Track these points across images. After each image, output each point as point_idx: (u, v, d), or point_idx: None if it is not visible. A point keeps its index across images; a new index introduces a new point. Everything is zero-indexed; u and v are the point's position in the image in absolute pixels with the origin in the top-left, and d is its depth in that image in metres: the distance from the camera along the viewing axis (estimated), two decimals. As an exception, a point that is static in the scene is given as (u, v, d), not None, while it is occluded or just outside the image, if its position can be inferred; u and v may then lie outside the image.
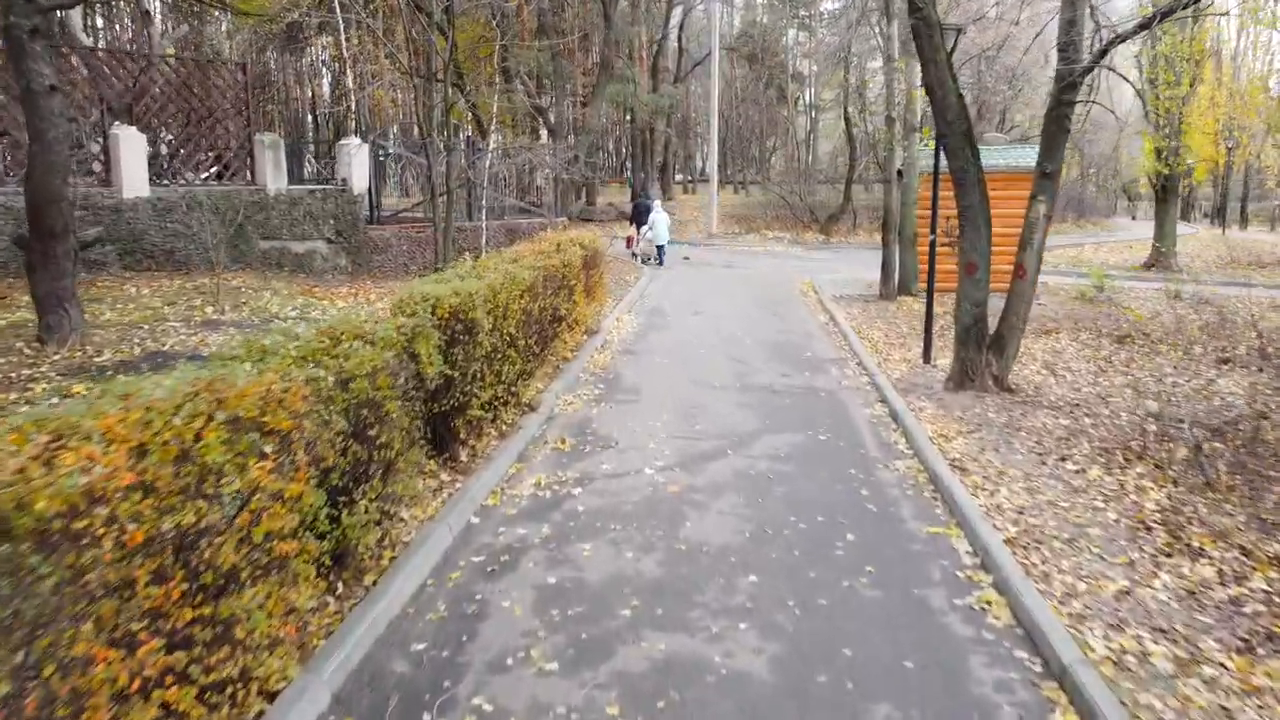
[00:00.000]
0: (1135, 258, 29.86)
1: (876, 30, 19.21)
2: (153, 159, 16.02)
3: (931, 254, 12.40)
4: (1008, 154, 19.23)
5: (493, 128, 19.79)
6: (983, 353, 10.35)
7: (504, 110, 37.76)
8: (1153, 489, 7.13)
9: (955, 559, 6.06)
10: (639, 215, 25.69)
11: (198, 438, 3.44)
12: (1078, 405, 10.02)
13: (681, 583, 5.61)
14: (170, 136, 17.18)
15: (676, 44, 43.38)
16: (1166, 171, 25.23)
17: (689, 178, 56.76)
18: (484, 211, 18.74)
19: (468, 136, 20.59)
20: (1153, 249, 26.64)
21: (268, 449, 3.85)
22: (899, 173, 17.88)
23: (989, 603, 5.38)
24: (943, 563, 5.99)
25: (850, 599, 5.43)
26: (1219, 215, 46.25)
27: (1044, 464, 7.93)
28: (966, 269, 10.40)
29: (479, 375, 7.54)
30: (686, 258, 28.09)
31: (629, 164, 48.74)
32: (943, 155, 11.03)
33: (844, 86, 34.53)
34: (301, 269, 17.55)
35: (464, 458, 7.58)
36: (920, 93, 17.70)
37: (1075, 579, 5.56)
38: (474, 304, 7.27)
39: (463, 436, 7.54)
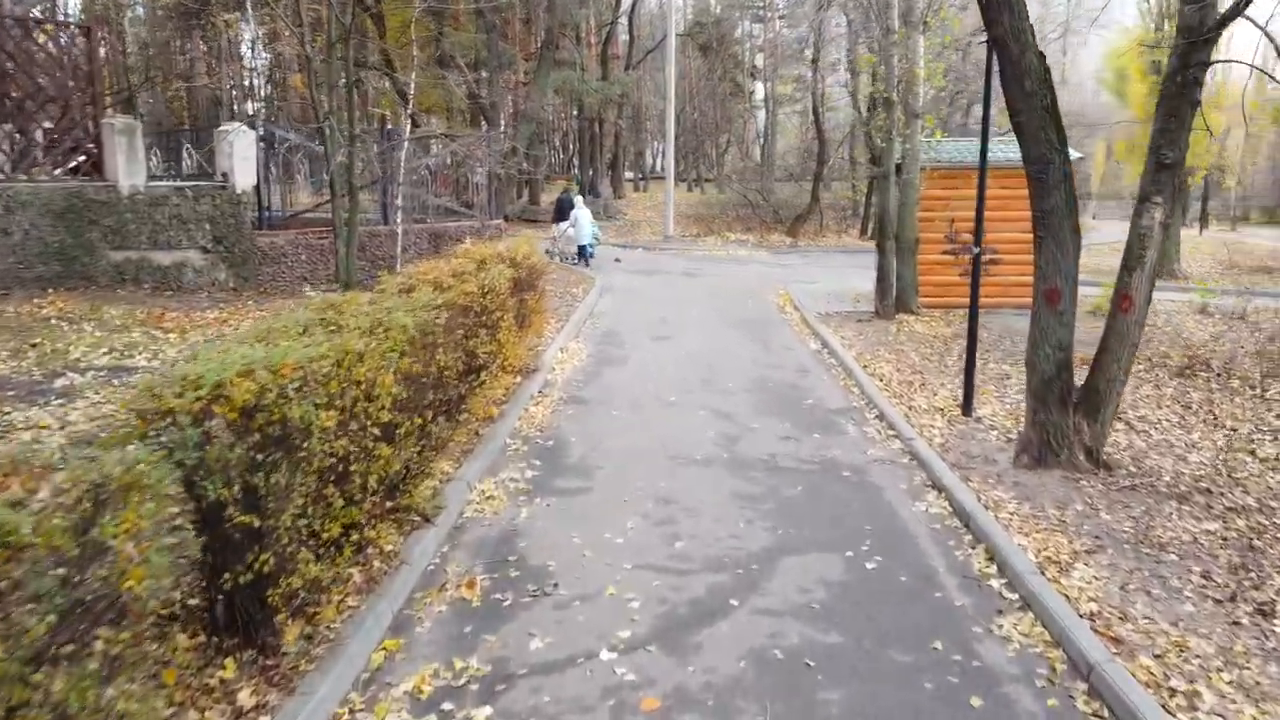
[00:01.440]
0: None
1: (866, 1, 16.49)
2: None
3: (975, 272, 9.46)
4: (1012, 149, 16.43)
5: (410, 110, 16.46)
6: (1069, 414, 7.42)
7: (439, 99, 34.35)
8: None
9: None
10: (562, 213, 24.09)
11: None
12: (1206, 490, 7.13)
13: None
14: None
15: (628, 30, 40.23)
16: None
17: (640, 175, 53.64)
18: (399, 213, 15.45)
19: (382, 122, 17.21)
20: (1154, 253, 24.16)
21: None
22: (897, 167, 15.01)
23: None
24: None
25: None
26: (1200, 217, 44.49)
27: (1235, 622, 4.99)
28: (1046, 298, 7.45)
29: (310, 508, 4.36)
30: (618, 260, 25.29)
31: (576, 160, 45.52)
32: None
33: (813, 74, 31.68)
34: (167, 285, 14.12)
35: (289, 647, 4.39)
36: (923, 72, 14.84)
37: None
38: (295, 391, 4.10)
39: (283, 615, 4.35)
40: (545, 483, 7.29)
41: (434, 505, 6.19)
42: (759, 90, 56.91)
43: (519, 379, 10.36)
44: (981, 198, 9.19)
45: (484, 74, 27.95)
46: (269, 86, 32.43)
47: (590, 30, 35.59)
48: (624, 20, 39.20)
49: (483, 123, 28.26)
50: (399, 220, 15.48)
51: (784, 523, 6.48)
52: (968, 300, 16.73)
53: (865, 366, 11.66)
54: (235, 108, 32.31)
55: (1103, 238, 31.93)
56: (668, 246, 28.80)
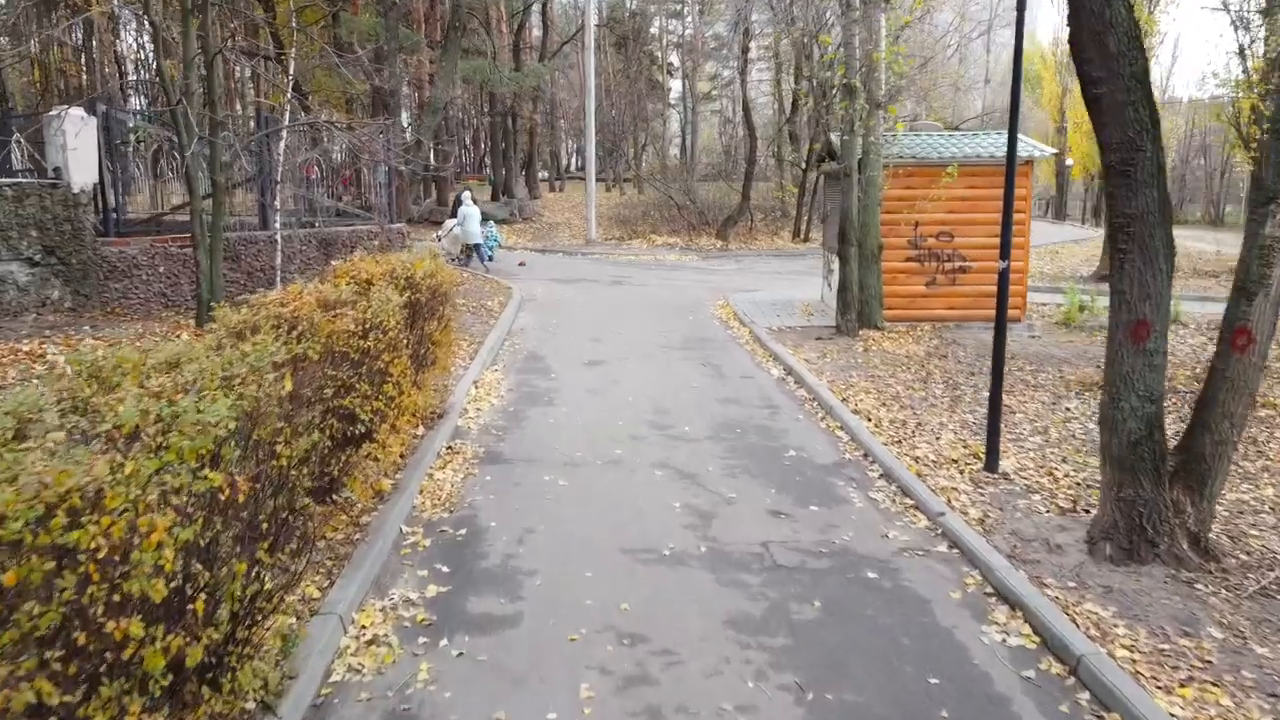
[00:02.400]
0: (1071, 265, 26.50)
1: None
2: None
3: (1002, 287, 7.54)
4: (983, 143, 14.80)
5: (290, 94, 13.89)
6: (1165, 488, 5.53)
7: (336, 89, 31.41)
8: None
9: None
10: (456, 213, 22.63)
11: None
12: (1351, 587, 5.33)
13: None
14: None
15: (541, 22, 37.86)
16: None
17: (555, 175, 51.25)
18: (278, 215, 12.92)
19: (259, 110, 14.58)
20: (1104, 259, 23.07)
21: None
22: (859, 164, 13.13)
23: None
24: None
25: None
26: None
27: None
28: (1132, 334, 5.54)
29: None
30: (522, 264, 23.29)
31: (489, 159, 42.92)
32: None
33: (742, 64, 29.79)
34: (-22, 307, 11.33)
35: None
36: (883, 56, 13.00)
37: None
38: None
39: None
40: (454, 607, 5.05)
41: (276, 685, 3.91)
42: (675, 88, 55.22)
43: (421, 430, 8.06)
44: (1010, 197, 7.27)
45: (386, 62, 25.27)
46: (142, 70, 29.01)
47: (501, 18, 33.11)
48: (537, 9, 36.83)
49: (384, 113, 25.52)
50: (277, 223, 12.93)
51: (809, 676, 4.39)
52: (935, 313, 15.13)
53: (844, 400, 9.71)
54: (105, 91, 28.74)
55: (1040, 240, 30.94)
56: (590, 251, 26.61)
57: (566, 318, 15.43)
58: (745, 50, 29.29)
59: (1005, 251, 7.30)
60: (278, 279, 13.17)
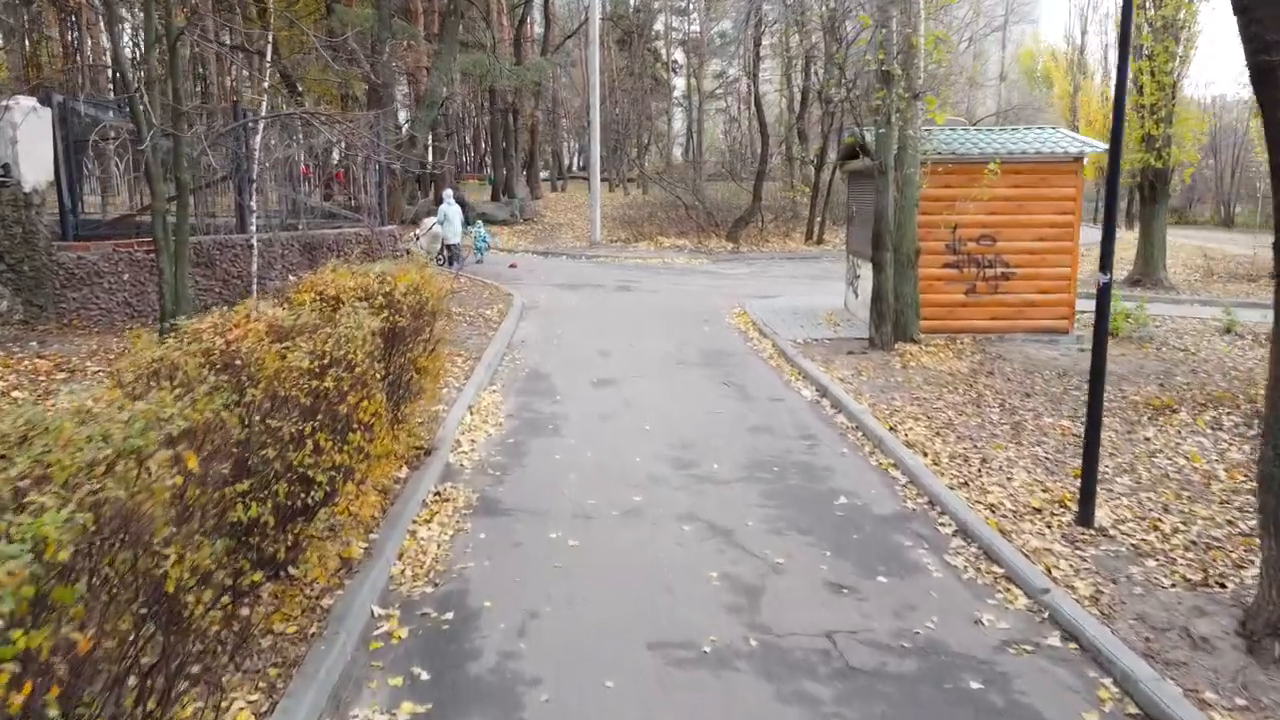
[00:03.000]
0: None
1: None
2: None
3: (1101, 308, 6.28)
4: (1027, 138, 13.56)
5: (268, 83, 12.61)
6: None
7: (331, 85, 30.19)
8: None
9: None
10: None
11: None
12: None
13: None
14: None
15: (543, 13, 36.58)
16: (1159, 165, 20.36)
17: (557, 174, 49.95)
18: (254, 217, 11.67)
19: (234, 102, 13.34)
20: (1138, 261, 21.84)
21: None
22: (895, 161, 11.87)
23: None
24: None
25: None
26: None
27: None
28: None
29: None
30: (513, 265, 22.18)
31: (489, 158, 41.69)
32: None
33: (753, 59, 28.47)
34: (-87, 320, 10.11)
35: None
36: (922, 40, 11.76)
37: None
38: None
39: None
40: (435, 740, 3.82)
41: None
42: (679, 86, 53.95)
43: (404, 472, 6.83)
44: (1112, 200, 6.00)
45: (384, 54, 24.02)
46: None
47: (502, 10, 31.85)
48: (539, 2, 35.60)
49: (378, 107, 24.21)
50: (254, 225, 11.69)
51: None
52: (975, 324, 13.83)
53: (893, 430, 8.47)
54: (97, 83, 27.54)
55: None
56: (595, 254, 25.36)
57: (572, 328, 14.18)
58: (757, 43, 28.01)
59: (1106, 262, 6.03)
60: (254, 288, 11.93)
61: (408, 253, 14.38)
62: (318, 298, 5.79)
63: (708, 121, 53.88)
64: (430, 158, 35.16)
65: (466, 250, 21.92)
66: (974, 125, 22.78)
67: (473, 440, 8.09)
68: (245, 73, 29.62)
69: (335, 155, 13.98)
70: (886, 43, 11.36)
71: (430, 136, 23.96)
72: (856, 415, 8.88)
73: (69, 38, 27.31)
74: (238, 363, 4.10)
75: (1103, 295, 6.07)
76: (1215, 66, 43.15)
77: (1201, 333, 14.78)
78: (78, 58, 25.39)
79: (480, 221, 23.66)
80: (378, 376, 5.20)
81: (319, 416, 4.29)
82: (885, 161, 11.73)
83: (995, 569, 5.55)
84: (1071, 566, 5.52)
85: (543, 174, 45.26)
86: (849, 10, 14.91)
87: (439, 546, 5.76)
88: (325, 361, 4.44)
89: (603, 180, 32.84)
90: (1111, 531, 6.13)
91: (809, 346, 12.58)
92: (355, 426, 4.77)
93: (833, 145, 29.17)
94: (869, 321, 12.33)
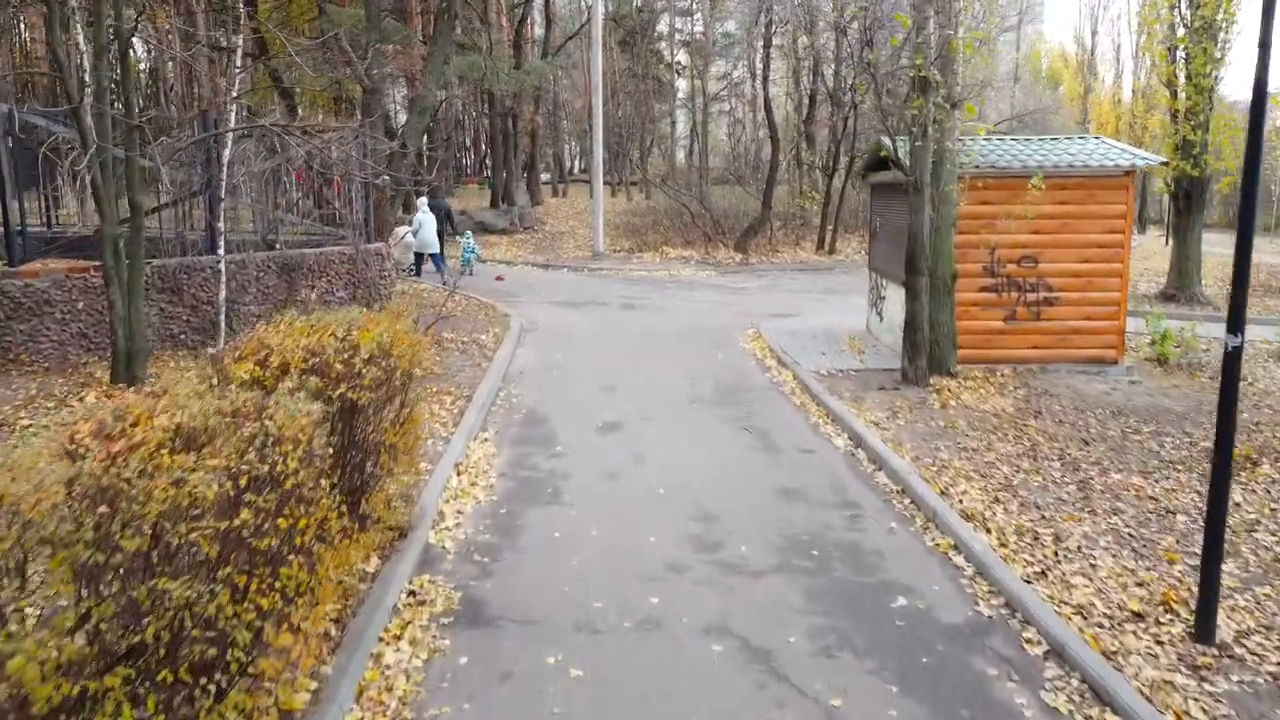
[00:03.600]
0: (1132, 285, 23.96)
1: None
2: None
3: (1231, 373, 5.11)
4: (1071, 149, 12.40)
5: (236, 89, 11.43)
6: None
7: (327, 90, 29.01)
8: None
9: None
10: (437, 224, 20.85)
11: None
12: None
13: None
14: None
15: (544, 13, 35.38)
16: (1196, 174, 19.18)
17: (559, 178, 48.72)
18: (223, 237, 10.53)
19: (204, 111, 12.19)
20: (1171, 274, 20.67)
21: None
22: (931, 175, 10.70)
23: None
24: None
25: None
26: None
27: None
28: None
29: None
30: (500, 278, 21.03)
31: (489, 162, 40.51)
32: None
33: (764, 59, 27.20)
34: None
35: None
36: (963, 43, 10.62)
37: None
38: None
39: None
40: None
41: None
42: (682, 88, 52.70)
43: (374, 563, 5.68)
44: (1248, 230, 4.84)
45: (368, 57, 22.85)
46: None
47: (501, 11, 30.69)
48: (539, 2, 34.42)
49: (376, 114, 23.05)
50: (222, 248, 10.54)
51: None
52: (1015, 353, 12.63)
53: (944, 493, 7.33)
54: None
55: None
56: (599, 266, 24.20)
57: (573, 355, 13.04)
58: (767, 44, 26.80)
59: (1237, 322, 4.85)
60: (221, 320, 10.78)
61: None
62: (259, 366, 4.64)
63: (711, 124, 52.71)
64: (426, 166, 34.02)
65: (453, 259, 20.98)
66: (993, 131, 21.55)
67: (459, 511, 6.94)
68: (222, 79, 28.51)
69: (317, 166, 12.81)
70: (924, 45, 10.20)
71: (425, 143, 22.81)
72: (901, 475, 7.73)
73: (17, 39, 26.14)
74: (113, 493, 2.95)
75: (1230, 362, 4.90)
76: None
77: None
78: (43, 63, 24.19)
79: (469, 232, 22.59)
80: (324, 482, 4.04)
81: (228, 569, 3.14)
82: (921, 177, 10.58)
83: (1110, 717, 4.39)
84: (1204, 711, 4.37)
85: (544, 176, 44.08)
86: (883, 11, 13.71)
87: (408, 679, 4.61)
88: (242, 484, 3.30)
89: (605, 184, 31.71)
90: (1237, 649, 4.98)
91: (835, 380, 11.42)
92: (289, 556, 3.62)
93: (844, 149, 28.02)
94: (902, 352, 11.17)
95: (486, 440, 8.94)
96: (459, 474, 7.73)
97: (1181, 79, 19.47)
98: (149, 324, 11.35)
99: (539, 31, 38.70)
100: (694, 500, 7.25)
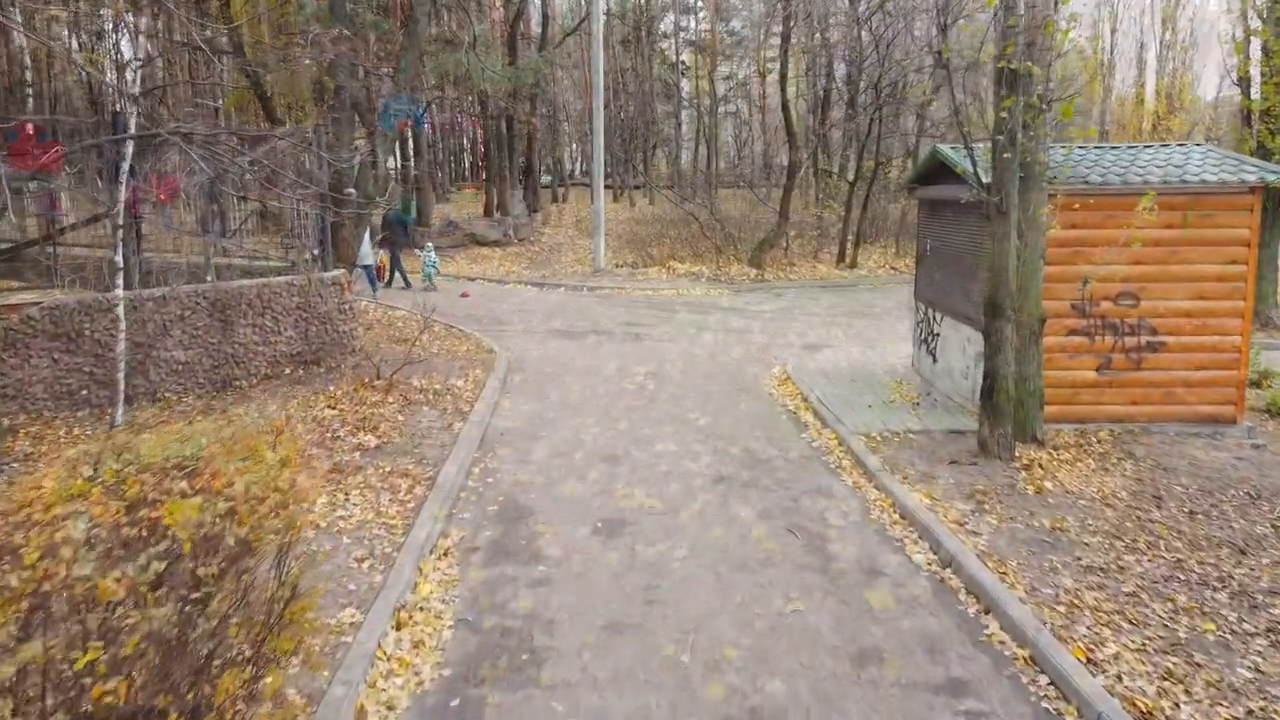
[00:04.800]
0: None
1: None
2: None
3: None
4: (1175, 159, 10.14)
5: (137, 87, 9.15)
6: None
7: (305, 90, 26.81)
8: None
9: None
10: (393, 235, 20.00)
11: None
12: None
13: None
14: None
15: (541, 9, 33.09)
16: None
17: (558, 181, 46.43)
18: (120, 272, 8.30)
19: (114, 115, 9.92)
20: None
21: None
22: (1017, 190, 8.45)
23: None
24: None
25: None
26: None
27: None
28: None
29: None
30: (465, 295, 19.32)
31: (484, 161, 38.22)
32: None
33: (781, 54, 24.87)
34: None
35: None
36: (1065, 30, 8.35)
37: None
38: None
39: None
40: None
41: None
42: (686, 88, 50.44)
43: None
44: None
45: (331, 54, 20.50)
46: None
47: (493, 4, 28.40)
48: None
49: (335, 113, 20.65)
50: (120, 285, 8.30)
51: None
52: (1109, 409, 10.12)
53: (1091, 661, 5.07)
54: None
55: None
56: (599, 285, 21.91)
57: (568, 408, 10.78)
58: (786, 39, 24.46)
59: None
60: (120, 377, 8.51)
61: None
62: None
63: (718, 126, 50.43)
64: (398, 178, 31.74)
65: (381, 271, 19.38)
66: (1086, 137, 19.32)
67: (388, 708, 4.68)
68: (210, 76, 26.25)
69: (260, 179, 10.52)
70: (1013, 30, 7.92)
71: (392, 154, 20.59)
72: (1026, 634, 5.44)
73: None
74: None
75: None
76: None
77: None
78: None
79: (431, 245, 20.64)
80: None
81: None
82: (1008, 197, 8.30)
83: None
84: None
85: (544, 179, 41.78)
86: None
87: None
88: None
89: (607, 188, 29.45)
90: None
91: (892, 446, 9.16)
92: None
93: (864, 153, 25.79)
94: (980, 416, 8.89)
95: (446, 551, 6.68)
96: (397, 630, 5.46)
97: (1256, 76, 17.24)
98: (39, 379, 9.13)
99: (536, 29, 36.49)
100: (733, 682, 4.98)
